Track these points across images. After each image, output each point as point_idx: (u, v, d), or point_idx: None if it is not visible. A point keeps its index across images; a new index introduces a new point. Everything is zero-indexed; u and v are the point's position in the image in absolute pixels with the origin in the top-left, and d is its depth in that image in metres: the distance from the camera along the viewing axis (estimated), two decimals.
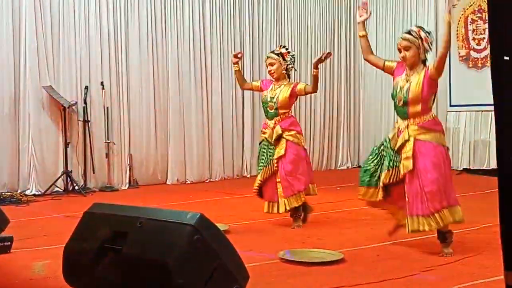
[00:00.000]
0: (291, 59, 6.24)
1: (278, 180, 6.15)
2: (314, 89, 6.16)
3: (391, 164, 4.96)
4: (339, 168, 11.90)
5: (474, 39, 10.75)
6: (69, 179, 8.75)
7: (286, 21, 11.32)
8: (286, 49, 6.30)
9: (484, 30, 10.55)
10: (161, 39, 9.86)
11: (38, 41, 8.66)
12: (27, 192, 8.54)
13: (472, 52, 10.75)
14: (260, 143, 6.41)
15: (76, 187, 8.68)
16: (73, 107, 8.90)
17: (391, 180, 4.95)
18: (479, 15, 10.61)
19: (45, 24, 8.75)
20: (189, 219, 2.97)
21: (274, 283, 4.15)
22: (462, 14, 10.87)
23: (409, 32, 4.94)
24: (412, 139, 4.86)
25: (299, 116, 11.48)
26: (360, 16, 5.23)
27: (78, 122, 9.03)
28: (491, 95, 1.52)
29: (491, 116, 9.70)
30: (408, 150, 4.85)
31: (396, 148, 4.93)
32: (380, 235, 5.42)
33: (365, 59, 5.39)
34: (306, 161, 6.32)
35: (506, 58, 1.32)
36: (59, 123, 8.85)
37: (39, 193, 8.58)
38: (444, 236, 4.88)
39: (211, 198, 8.28)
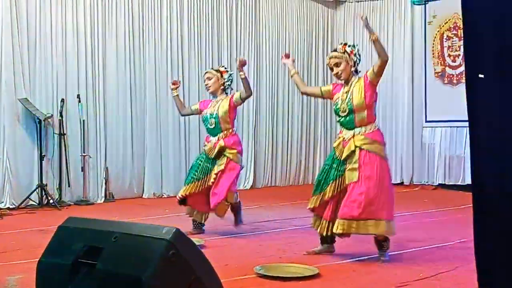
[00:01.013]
0: (228, 77, 6.51)
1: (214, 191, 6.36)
2: (247, 92, 6.37)
3: (336, 174, 5.13)
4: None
5: (449, 55, 10.89)
6: (44, 193, 8.64)
7: (264, 33, 11.37)
8: (225, 68, 6.64)
9: (459, 47, 10.69)
10: (138, 53, 9.84)
11: (14, 53, 8.59)
12: (1, 205, 8.42)
13: (447, 69, 10.88)
14: (199, 156, 6.70)
15: (51, 201, 8.57)
16: (49, 120, 8.81)
17: (335, 192, 5.12)
18: (454, 32, 10.75)
19: (21, 37, 8.67)
20: (165, 234, 2.95)
21: None
22: (438, 31, 11.01)
23: (334, 50, 5.26)
24: (357, 150, 5.04)
25: (276, 131, 11.53)
26: (286, 60, 5.72)
27: (54, 135, 8.94)
28: (466, 111, 1.54)
29: (466, 132, 9.80)
30: (354, 161, 5.04)
31: (342, 158, 5.10)
32: (356, 251, 5.44)
33: (302, 93, 5.82)
34: (236, 175, 6.48)
35: (481, 76, 1.34)
36: (35, 136, 8.75)
37: (13, 206, 8.46)
38: (380, 244, 5.10)
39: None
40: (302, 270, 4.77)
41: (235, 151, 6.37)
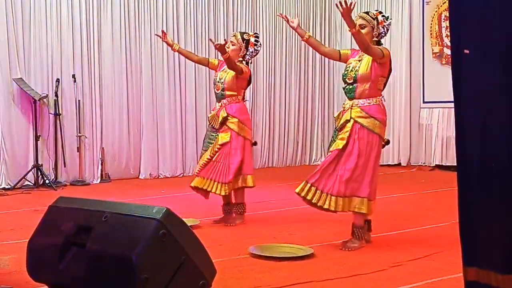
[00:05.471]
0: (252, 52, 6.03)
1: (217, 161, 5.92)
2: (236, 71, 5.87)
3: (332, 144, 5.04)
4: (313, 164, 11.88)
5: (447, 36, 10.82)
6: (39, 173, 8.64)
7: (260, 18, 11.27)
8: (256, 40, 6.07)
9: None
10: (134, 33, 9.77)
11: (8, 33, 8.54)
12: None
13: (445, 49, 10.82)
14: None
15: (47, 181, 8.57)
16: (44, 100, 8.78)
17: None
18: None
19: (16, 16, 8.62)
20: (155, 213, 2.94)
21: (243, 278, 4.12)
22: (436, 11, 10.93)
23: (367, 13, 5.09)
24: (352, 120, 4.92)
25: (273, 111, 11.48)
26: (292, 23, 5.28)
27: (49, 115, 8.91)
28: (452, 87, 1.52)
29: None
30: (345, 131, 4.92)
31: (337, 127, 5.01)
32: (350, 231, 5.43)
33: (321, 53, 5.49)
34: (246, 152, 6.01)
35: (466, 51, 1.31)
36: (30, 116, 8.73)
37: (9, 186, 8.47)
38: (356, 229, 4.96)
39: (184, 193, 8.21)
40: (296, 250, 4.77)
41: (236, 119, 5.89)
